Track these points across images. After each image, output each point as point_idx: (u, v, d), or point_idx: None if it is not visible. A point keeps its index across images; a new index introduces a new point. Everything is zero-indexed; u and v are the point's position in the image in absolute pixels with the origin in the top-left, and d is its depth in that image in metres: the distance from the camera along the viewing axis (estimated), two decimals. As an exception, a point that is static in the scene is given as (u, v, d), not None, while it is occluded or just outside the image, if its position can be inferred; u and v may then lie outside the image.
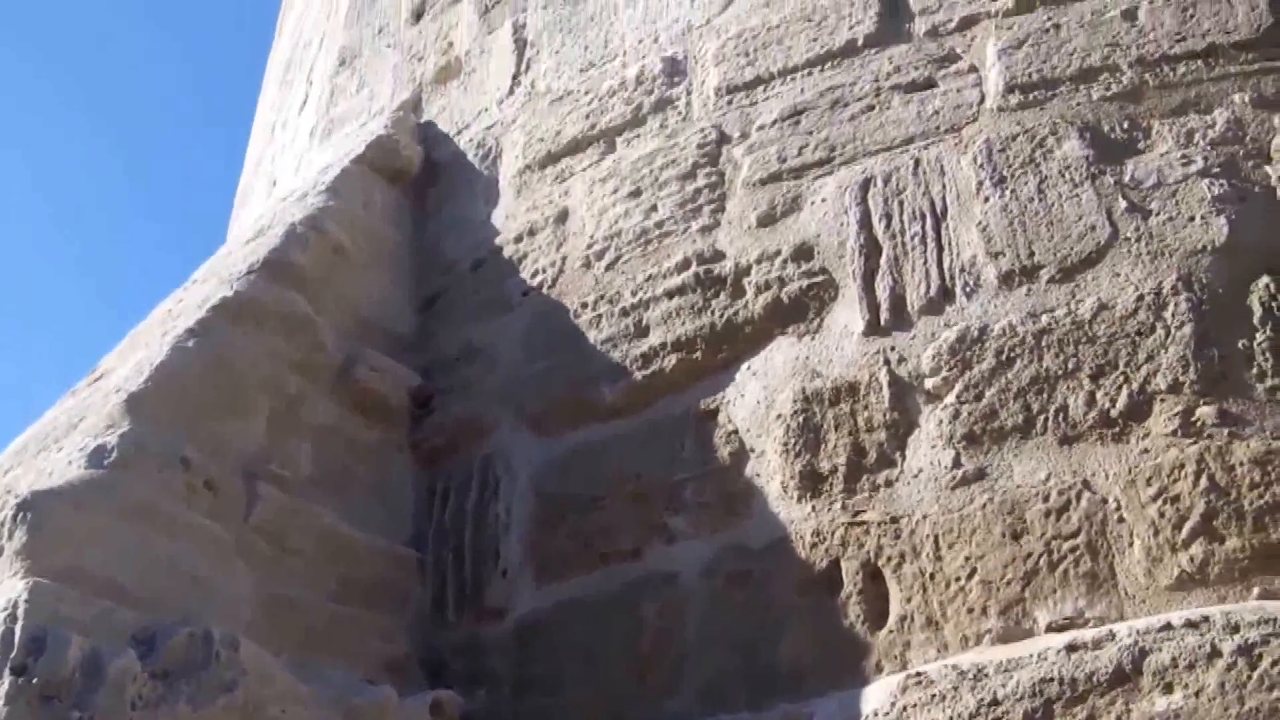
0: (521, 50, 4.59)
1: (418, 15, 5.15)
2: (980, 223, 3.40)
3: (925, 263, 3.42)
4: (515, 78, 4.54)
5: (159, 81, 25.68)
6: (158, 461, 3.18)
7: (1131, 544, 2.89)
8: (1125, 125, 3.46)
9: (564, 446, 3.70)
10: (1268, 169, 3.32)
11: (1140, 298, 3.15)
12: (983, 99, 3.62)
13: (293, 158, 5.71)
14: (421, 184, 4.60)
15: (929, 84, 3.70)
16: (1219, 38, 3.53)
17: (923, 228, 3.46)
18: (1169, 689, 2.60)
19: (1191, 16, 3.58)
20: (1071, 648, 2.71)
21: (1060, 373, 3.13)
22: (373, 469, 3.86)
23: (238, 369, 3.57)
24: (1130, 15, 3.62)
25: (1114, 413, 3.04)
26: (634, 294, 3.78)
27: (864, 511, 3.17)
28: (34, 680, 2.60)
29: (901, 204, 3.53)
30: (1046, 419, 3.09)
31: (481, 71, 4.69)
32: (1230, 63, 3.50)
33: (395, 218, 4.49)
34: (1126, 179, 3.36)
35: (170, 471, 3.19)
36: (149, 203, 25.49)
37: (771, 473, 3.32)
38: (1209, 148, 3.38)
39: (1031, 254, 3.30)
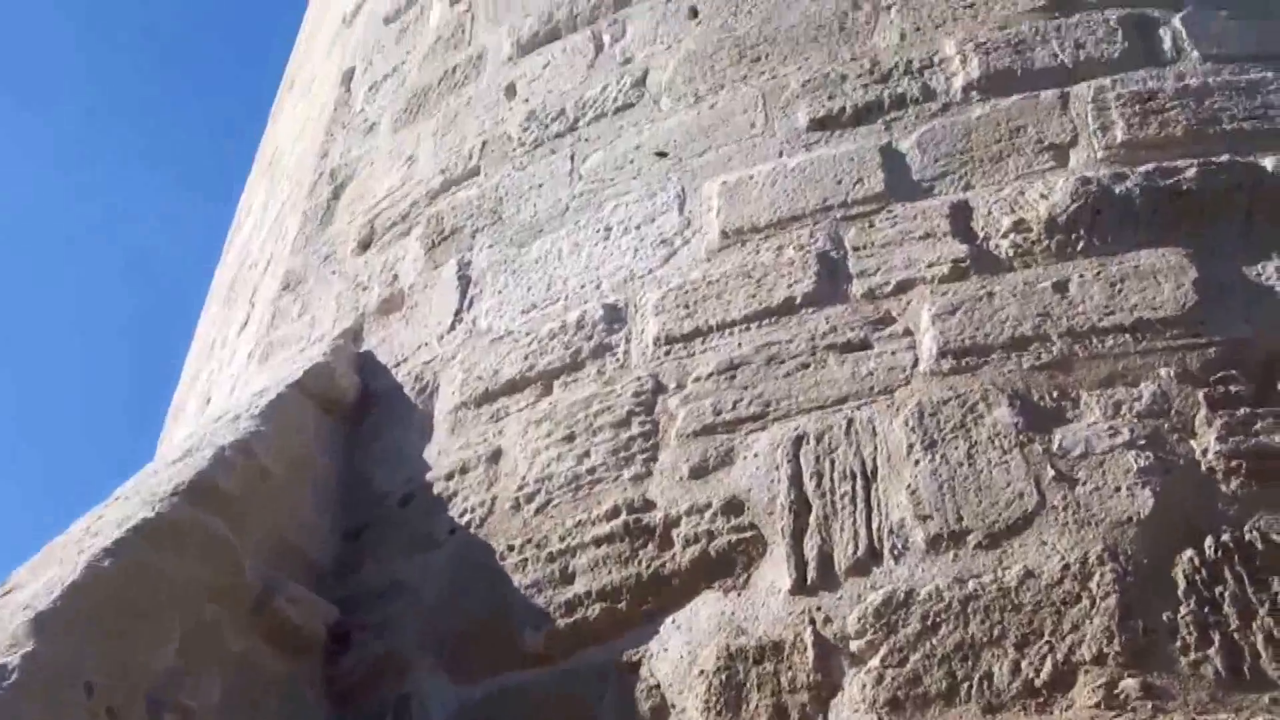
0: (465, 288, 4.63)
1: (365, 246, 5.21)
2: (910, 485, 3.41)
3: (854, 523, 3.42)
4: (457, 314, 4.58)
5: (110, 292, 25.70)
6: (60, 685, 3.10)
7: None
8: (1054, 394, 3.51)
9: (482, 692, 3.62)
10: (1192, 443, 3.36)
11: (1066, 567, 3.16)
12: (916, 362, 3.67)
13: (229, 378, 5.70)
14: (357, 414, 4.58)
15: (864, 345, 3.76)
16: (1146, 313, 3.61)
17: (853, 488, 3.47)
18: None
19: (1120, 291, 3.66)
20: None
21: (986, 640, 3.11)
22: (284, 703, 3.76)
23: (152, 593, 3.50)
24: (1061, 287, 3.70)
25: (1038, 682, 3.02)
26: (562, 539, 3.76)
27: (784, 775, 3.11)
28: None
29: (833, 463, 3.54)
30: (971, 687, 3.06)
31: (424, 306, 4.72)
32: (1157, 338, 3.57)
33: (328, 446, 4.46)
34: (1055, 448, 3.40)
35: (73, 696, 3.11)
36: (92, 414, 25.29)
37: (692, 731, 3.27)
38: (1135, 420, 3.42)
39: (960, 519, 3.31)
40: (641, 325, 4.11)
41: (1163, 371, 3.49)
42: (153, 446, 6.81)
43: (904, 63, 4.37)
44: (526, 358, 4.25)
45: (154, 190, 26.46)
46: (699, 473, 3.70)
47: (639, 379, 3.98)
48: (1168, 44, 4.24)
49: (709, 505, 3.62)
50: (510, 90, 5.18)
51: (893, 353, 3.71)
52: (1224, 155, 3.91)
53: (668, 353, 4.00)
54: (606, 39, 5.06)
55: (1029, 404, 3.50)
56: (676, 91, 4.68)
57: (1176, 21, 4.28)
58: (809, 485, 3.52)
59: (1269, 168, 3.86)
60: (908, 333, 3.74)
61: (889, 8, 4.55)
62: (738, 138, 4.41)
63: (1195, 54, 4.19)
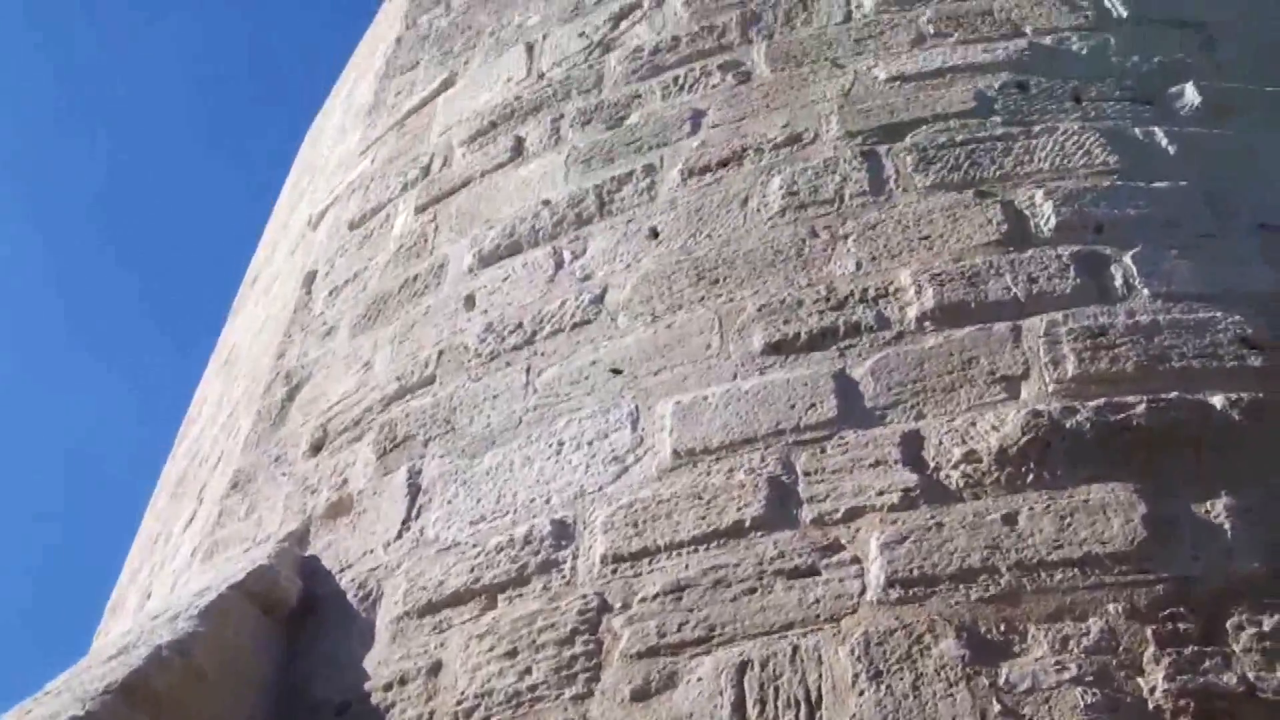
0: (414, 496, 4.60)
1: (317, 448, 5.19)
2: (855, 715, 3.36)
3: (797, 753, 3.37)
4: (405, 523, 4.54)
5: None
6: None
7: None
8: (1002, 627, 3.49)
9: None
10: (1140, 680, 3.34)
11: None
12: (864, 590, 3.65)
13: (171, 574, 5.62)
14: (298, 618, 4.51)
15: (812, 571, 3.74)
16: (1095, 548, 3.61)
17: (796, 716, 3.42)
18: None
19: (1069, 525, 3.67)
20: None
21: None
22: None
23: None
24: (1010, 520, 3.71)
25: None
26: (499, 758, 3.69)
27: None
28: None
29: (777, 690, 3.49)
30: None
31: (372, 512, 4.69)
32: (1105, 573, 3.56)
33: (266, 649, 4.38)
34: (1001, 682, 3.37)
35: None
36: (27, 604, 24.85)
37: None
38: (1083, 655, 3.40)
39: (905, 754, 3.27)
40: (590, 542, 4.08)
41: (1111, 607, 3.49)
42: (88, 640, 6.69)
43: (859, 291, 4.43)
44: (472, 570, 4.20)
45: (95, 379, 26.39)
46: (641, 695, 3.64)
47: (585, 596, 3.94)
48: (1119, 281, 4.31)
49: (650, 729, 3.56)
50: (470, 301, 5.23)
51: (840, 580, 3.69)
52: (1173, 392, 3.95)
53: (614, 571, 3.97)
54: (567, 255, 5.13)
55: (976, 636, 3.47)
56: (634, 310, 4.72)
57: (1128, 259, 4.37)
58: (752, 712, 3.47)
59: (1217, 405, 3.90)
60: (856, 560, 3.72)
61: (846, 237, 4.64)
62: (693, 358, 4.44)
63: (1146, 291, 4.27)
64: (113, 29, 27.46)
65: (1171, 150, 4.80)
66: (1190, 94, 5.06)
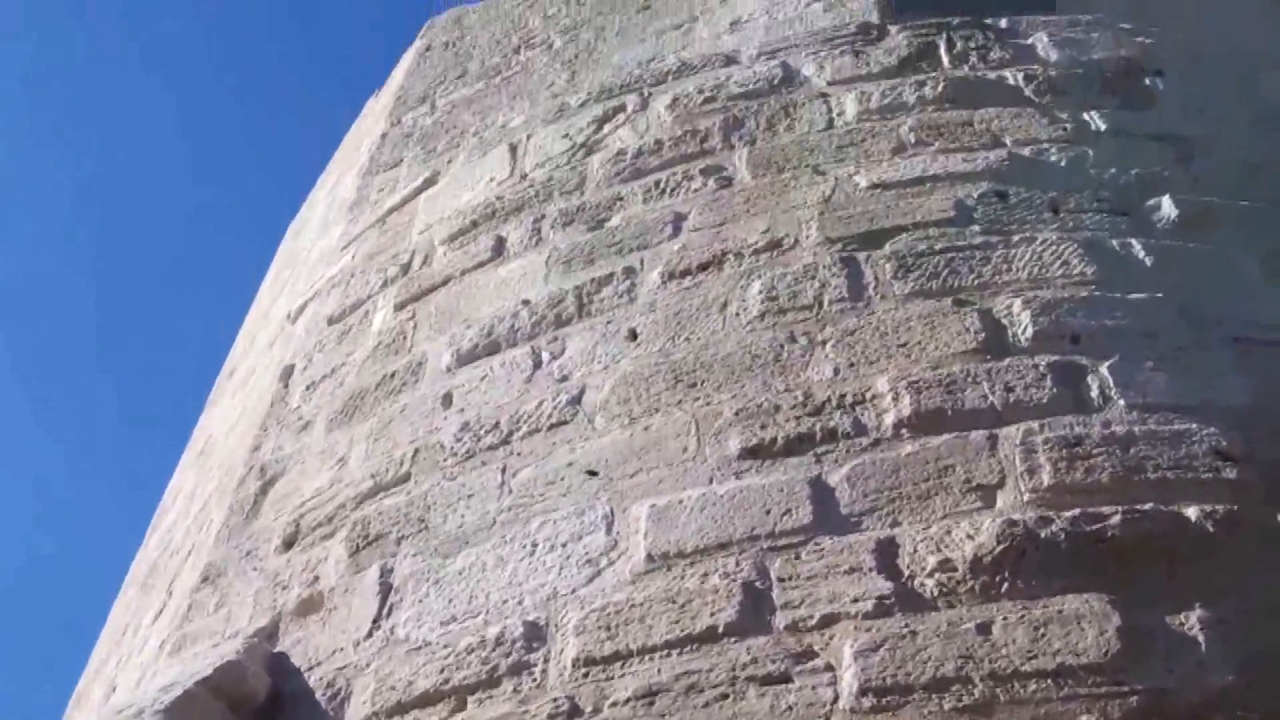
0: (386, 595, 4.57)
1: (289, 544, 5.15)
2: (827, 827, 3.33)
3: None
4: (376, 621, 4.50)
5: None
6: None
7: None
8: (976, 738, 3.48)
9: None
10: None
11: None
12: (836, 698, 3.62)
13: (137, 667, 5.56)
14: (266, 715, 4.46)
15: (784, 678, 3.71)
16: (1069, 659, 3.60)
17: (770, 826, 3.39)
18: None
19: (1044, 635, 3.65)
20: None
21: None
22: None
23: None
24: (985, 629, 3.69)
25: None
26: None
27: None
28: None
29: (748, 799, 3.46)
30: None
31: (343, 610, 4.64)
32: (1079, 684, 3.55)
33: (233, 747, 4.35)
34: None
35: None
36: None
37: None
38: (1057, 768, 3.40)
39: None
40: (561, 645, 4.05)
41: (1084, 718, 3.46)
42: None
43: (837, 397, 4.43)
44: (442, 670, 4.16)
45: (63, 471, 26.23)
46: (610, 802, 3.60)
47: (555, 700, 3.90)
48: (1095, 391, 4.33)
49: (618, 839, 3.51)
50: (447, 399, 5.21)
51: (813, 688, 3.66)
52: (1149, 503, 3.96)
53: (586, 675, 3.93)
54: (545, 355, 5.13)
55: None
56: (611, 411, 4.72)
57: (1104, 369, 4.38)
58: (723, 822, 3.43)
59: (1192, 517, 3.91)
60: (830, 668, 3.70)
61: (824, 343, 4.65)
62: (669, 461, 4.43)
63: (1122, 402, 4.28)
64: (104, 111, 27.60)
65: (1148, 262, 4.84)
66: (1167, 206, 5.11)
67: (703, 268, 5.07)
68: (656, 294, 5.09)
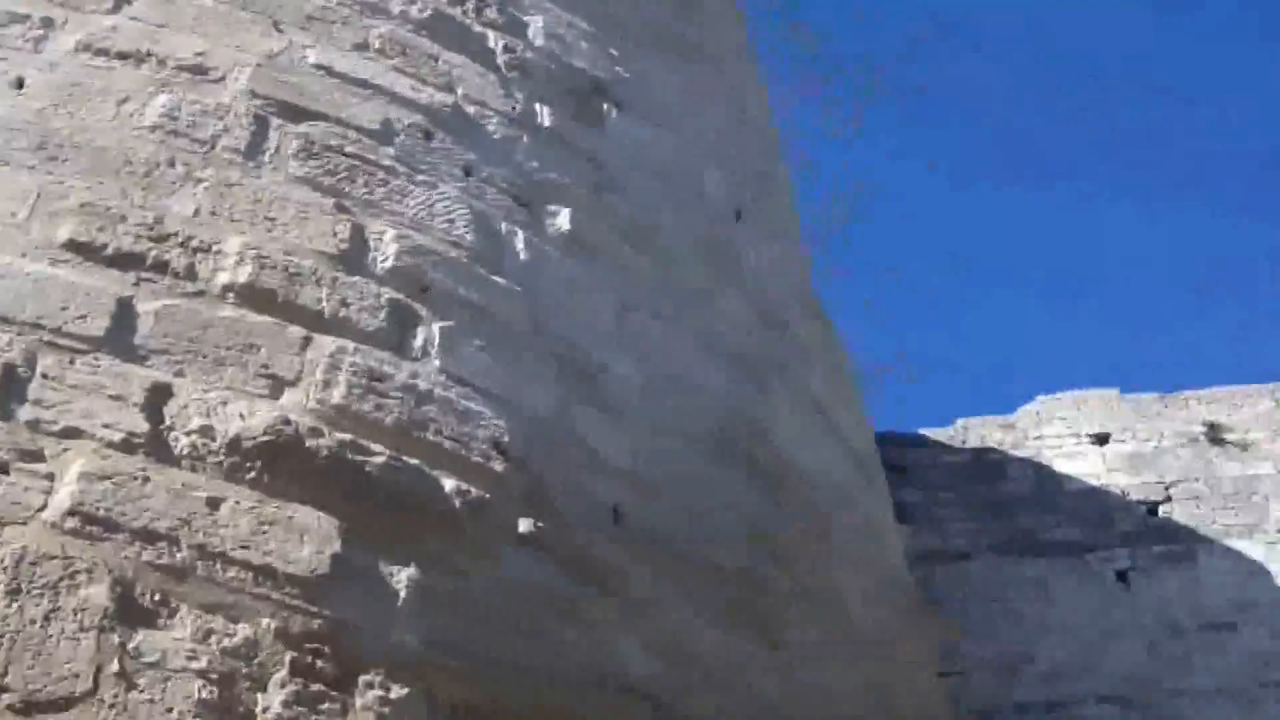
0: None
1: None
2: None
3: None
4: None
5: None
6: None
7: None
8: (157, 597, 3.61)
9: None
10: (258, 696, 3.53)
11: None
12: (44, 507, 3.57)
13: None
14: None
15: (2, 469, 3.60)
16: (278, 562, 3.80)
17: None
18: None
19: (265, 532, 3.85)
20: None
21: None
22: None
23: None
24: (214, 504, 3.81)
25: None
26: None
27: None
28: None
29: None
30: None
31: None
32: (276, 589, 3.75)
33: None
34: (131, 646, 3.49)
35: None
36: None
37: None
38: (219, 654, 3.56)
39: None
40: None
41: (265, 621, 3.72)
42: None
43: (185, 236, 4.20)
44: None
45: None
46: None
47: None
48: (419, 342, 4.51)
49: None
50: None
51: (25, 489, 3.58)
52: (415, 460, 4.19)
53: None
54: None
55: (129, 596, 3.57)
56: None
57: (436, 328, 4.55)
58: None
59: (446, 489, 4.19)
60: (50, 477, 3.63)
61: (200, 181, 4.38)
62: None
63: (437, 363, 4.51)
64: None
65: (524, 256, 5.04)
66: (564, 219, 5.33)
67: (122, 56, 4.79)
68: (65, 58, 4.77)
